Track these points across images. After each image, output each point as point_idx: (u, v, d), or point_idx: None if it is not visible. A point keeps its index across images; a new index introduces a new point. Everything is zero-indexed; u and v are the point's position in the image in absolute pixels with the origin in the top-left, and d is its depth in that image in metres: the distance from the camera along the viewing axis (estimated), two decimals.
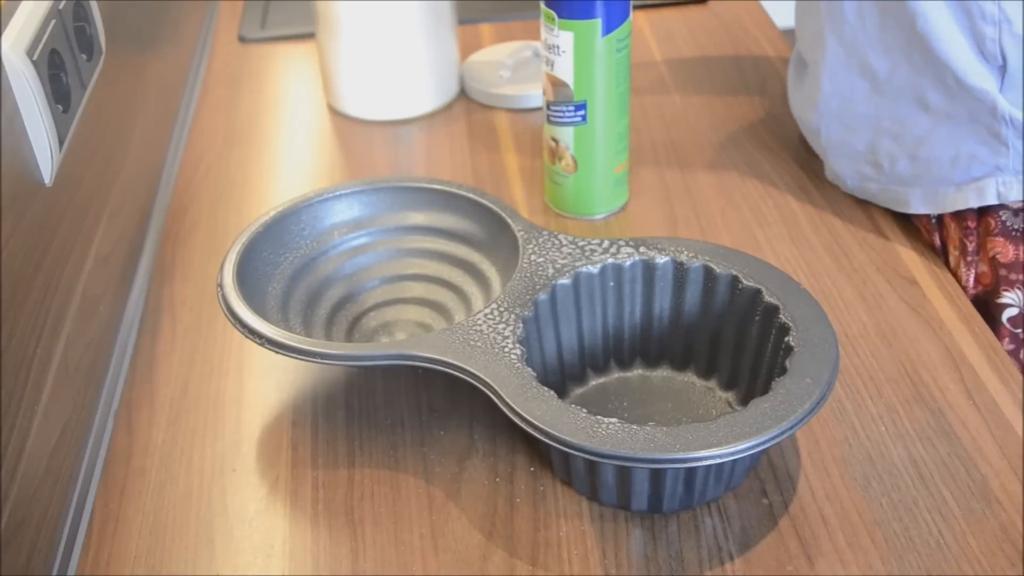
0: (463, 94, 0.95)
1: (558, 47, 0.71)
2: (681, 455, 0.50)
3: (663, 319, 0.63)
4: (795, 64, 0.81)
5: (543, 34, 0.72)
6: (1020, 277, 0.68)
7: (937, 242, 0.72)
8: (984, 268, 0.69)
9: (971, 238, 0.69)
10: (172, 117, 0.92)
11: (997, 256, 0.68)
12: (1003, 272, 0.68)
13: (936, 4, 0.64)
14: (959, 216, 0.70)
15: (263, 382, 0.66)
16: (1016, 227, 0.68)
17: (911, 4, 0.65)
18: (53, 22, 0.63)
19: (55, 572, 0.56)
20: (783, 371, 0.54)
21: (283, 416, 0.64)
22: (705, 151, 0.85)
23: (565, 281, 0.61)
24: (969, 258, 0.69)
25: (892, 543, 0.54)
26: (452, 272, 0.68)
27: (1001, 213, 0.68)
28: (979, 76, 0.65)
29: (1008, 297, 0.68)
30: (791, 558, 0.54)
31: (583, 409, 0.52)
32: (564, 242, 0.63)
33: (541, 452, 0.59)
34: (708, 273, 0.61)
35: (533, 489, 0.58)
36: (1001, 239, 0.68)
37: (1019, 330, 0.69)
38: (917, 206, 0.71)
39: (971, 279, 0.70)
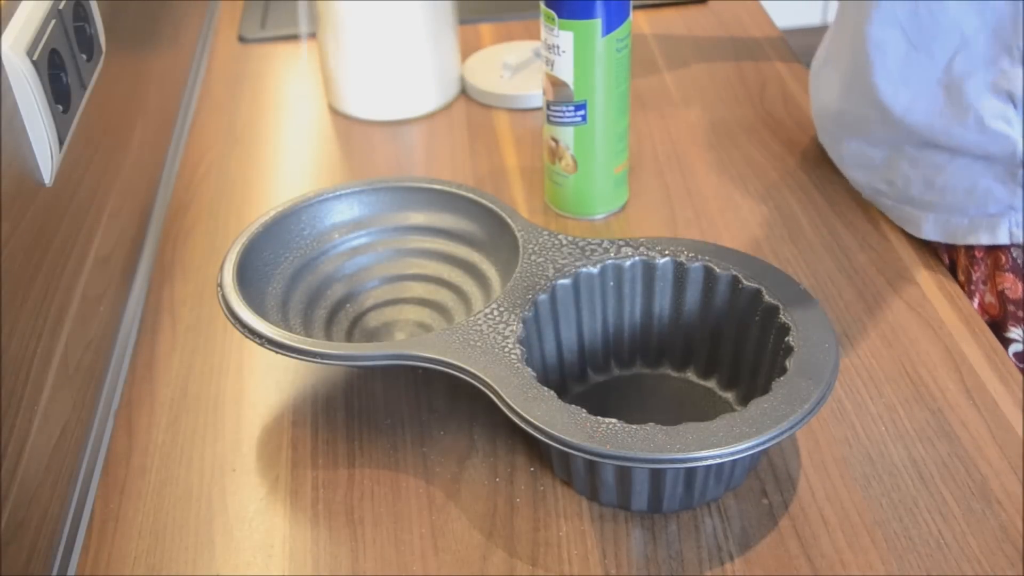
0: (463, 94, 0.95)
1: (558, 47, 0.71)
2: (681, 455, 0.50)
3: (663, 319, 0.63)
4: (821, 65, 0.78)
5: (543, 34, 0.72)
6: None
7: (946, 260, 0.72)
8: (992, 300, 0.69)
9: (978, 268, 0.69)
10: (172, 117, 0.92)
11: (1006, 291, 0.67)
12: (1011, 308, 0.68)
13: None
14: (968, 245, 0.69)
15: (263, 382, 0.66)
16: None
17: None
18: (53, 22, 0.63)
19: (55, 572, 0.56)
20: (783, 371, 0.54)
21: (283, 416, 0.64)
22: (705, 151, 0.85)
23: (565, 281, 0.61)
24: (974, 287, 0.69)
25: (892, 543, 0.54)
26: (452, 272, 0.68)
27: (1012, 249, 0.67)
28: (1001, 119, 0.64)
29: (1015, 333, 0.68)
30: (791, 558, 0.54)
31: (583, 409, 0.52)
32: (564, 242, 0.63)
33: (541, 452, 0.59)
34: (708, 273, 0.61)
35: (533, 489, 0.58)
36: (1011, 275, 0.67)
37: None
38: (929, 231, 0.71)
39: (975, 306, 0.69)
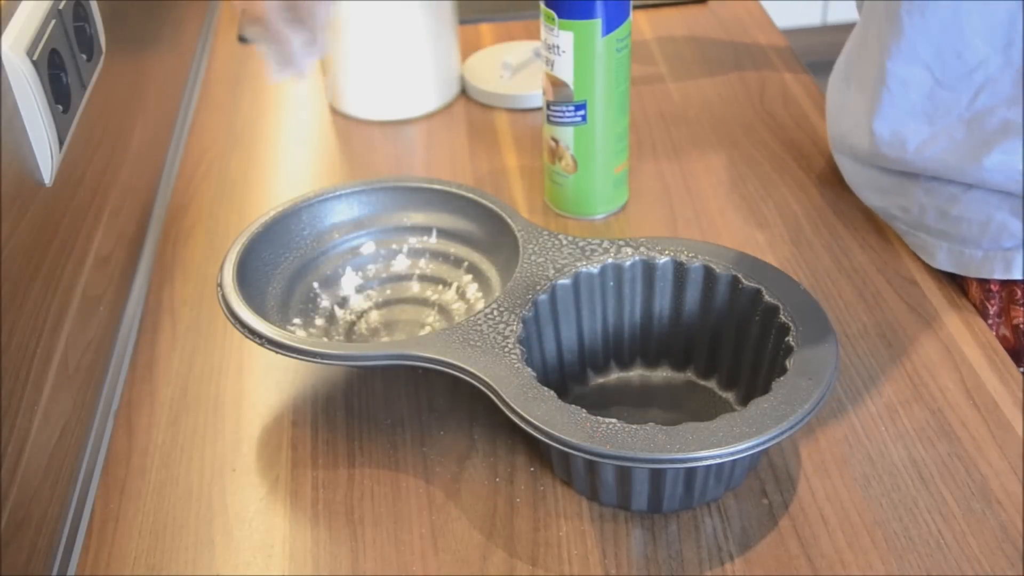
0: (463, 94, 0.95)
1: (558, 47, 0.71)
2: (681, 455, 0.50)
3: (663, 319, 0.63)
4: (839, 82, 0.75)
5: (543, 34, 0.72)
6: None
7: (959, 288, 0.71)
8: (1006, 333, 0.68)
9: (993, 301, 0.68)
10: (172, 117, 0.92)
11: (1020, 325, 0.67)
12: None
13: None
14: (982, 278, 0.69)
15: (263, 382, 0.66)
16: None
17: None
18: (53, 22, 0.63)
19: (55, 572, 0.56)
20: (783, 371, 0.54)
21: (283, 416, 0.64)
22: (705, 151, 0.85)
23: (565, 281, 0.61)
24: (990, 321, 0.68)
25: (892, 543, 0.54)
26: (452, 272, 0.68)
27: None
28: (1016, 156, 0.63)
29: None
30: (791, 558, 0.54)
31: (583, 409, 0.52)
32: (564, 242, 0.63)
33: (541, 452, 0.59)
34: (708, 273, 0.61)
35: (533, 489, 0.58)
36: None
37: None
38: (943, 262, 0.70)
39: None
